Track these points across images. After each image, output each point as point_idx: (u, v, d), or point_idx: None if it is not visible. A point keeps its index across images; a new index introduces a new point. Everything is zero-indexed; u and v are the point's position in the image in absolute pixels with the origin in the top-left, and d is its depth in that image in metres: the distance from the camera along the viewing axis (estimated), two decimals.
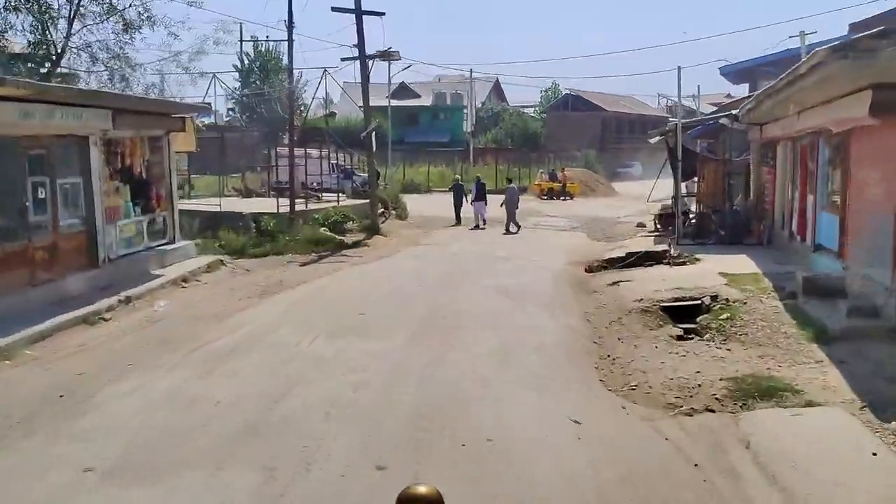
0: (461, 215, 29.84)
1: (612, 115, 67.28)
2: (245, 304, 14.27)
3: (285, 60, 66.48)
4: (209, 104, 21.10)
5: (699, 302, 14.81)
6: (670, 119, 75.99)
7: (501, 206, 28.29)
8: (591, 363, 10.96)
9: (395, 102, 65.06)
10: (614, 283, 16.97)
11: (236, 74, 73.27)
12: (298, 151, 32.53)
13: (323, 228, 22.93)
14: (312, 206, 26.93)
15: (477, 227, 28.42)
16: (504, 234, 27.31)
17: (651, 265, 19.21)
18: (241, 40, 38.12)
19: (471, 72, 44.17)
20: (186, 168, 31.27)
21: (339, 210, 24.85)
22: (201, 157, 34.54)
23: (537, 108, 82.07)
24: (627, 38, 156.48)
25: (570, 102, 68.56)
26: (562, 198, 42.20)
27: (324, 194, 31.09)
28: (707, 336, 12.39)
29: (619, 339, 12.52)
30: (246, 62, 75.05)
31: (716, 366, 10.38)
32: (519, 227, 27.90)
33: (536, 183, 43.82)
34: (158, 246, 17.28)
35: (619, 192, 48.52)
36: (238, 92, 40.59)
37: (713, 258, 18.80)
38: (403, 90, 66.19)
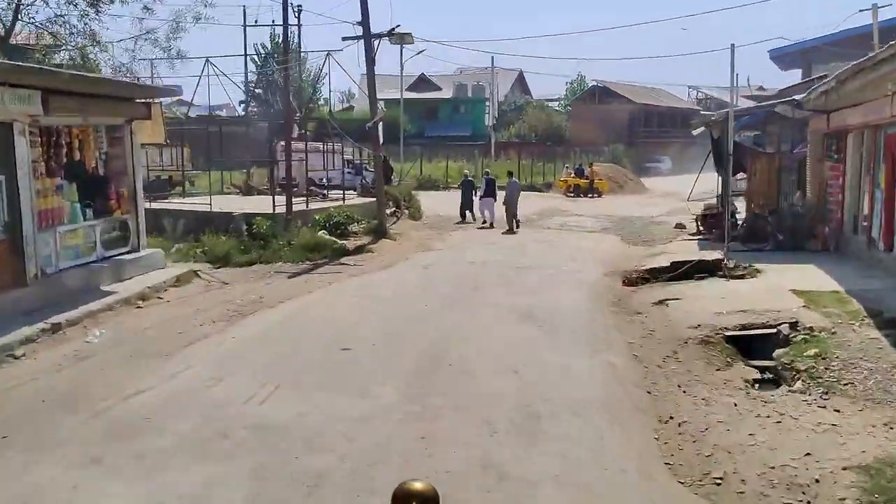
0: (475, 214, 27.15)
1: (640, 107, 63.64)
2: (205, 332, 11.31)
3: (303, 51, 63.63)
4: (178, 86, 18.18)
5: (774, 331, 11.77)
6: (702, 112, 72.24)
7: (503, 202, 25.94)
8: (650, 431, 7.86)
9: (414, 95, 62.02)
10: (661, 302, 13.86)
11: (252, 67, 71.12)
12: (302, 146, 29.62)
13: (321, 231, 19.97)
14: (316, 205, 24.00)
15: (486, 224, 25.89)
16: (504, 233, 24.59)
17: (703, 278, 16.05)
18: (245, 25, 35.16)
19: (492, 59, 41.01)
20: (179, 163, 28.43)
21: (343, 210, 21.87)
22: (205, 151, 31.84)
23: (562, 101, 78.65)
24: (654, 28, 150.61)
25: (598, 94, 65.00)
26: (589, 195, 38.93)
27: (332, 192, 28.25)
28: (797, 385, 9.30)
29: (679, 388, 9.43)
30: (262, 53, 72.90)
31: (829, 442, 7.25)
32: (518, 225, 25.30)
33: (562, 179, 40.56)
34: (117, 255, 14.36)
35: (649, 188, 45.11)
36: (245, 78, 37.37)
37: (776, 269, 15.65)
38: (423, 82, 63.15)
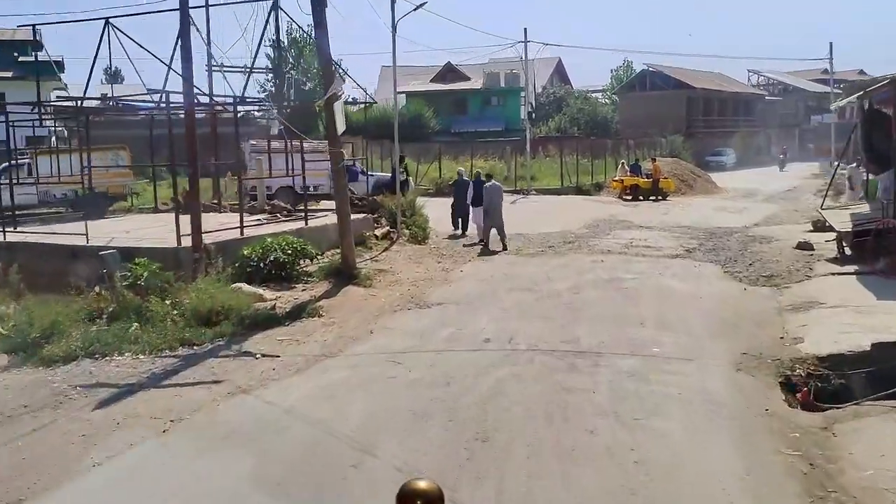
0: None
1: (699, 93, 54.07)
2: None
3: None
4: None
5: None
6: (767, 97, 62.36)
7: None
8: None
9: (440, 86, 53.77)
10: None
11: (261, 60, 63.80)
12: (278, 145, 21.65)
13: (235, 285, 11.77)
14: (262, 229, 15.88)
15: (482, 242, 18.42)
16: (481, 254, 17.34)
17: None
18: None
19: (525, 32, 32.06)
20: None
21: (290, 241, 13.52)
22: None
23: (607, 91, 69.50)
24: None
25: (649, 79, 55.65)
26: (651, 198, 30.09)
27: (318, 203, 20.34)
28: None
29: None
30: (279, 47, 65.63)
31: None
32: (506, 245, 17.97)
33: (616, 179, 31.72)
34: None
35: (722, 187, 35.92)
36: (209, 60, 27.27)
37: None
38: (450, 72, 54.70)
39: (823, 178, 44.43)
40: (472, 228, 19.81)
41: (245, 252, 13.11)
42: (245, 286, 11.85)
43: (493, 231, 18.20)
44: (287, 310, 11.31)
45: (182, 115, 17.05)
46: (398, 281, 13.98)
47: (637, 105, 54.34)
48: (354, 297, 12.41)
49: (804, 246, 17.06)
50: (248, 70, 24.09)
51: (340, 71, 12.69)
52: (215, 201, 20.31)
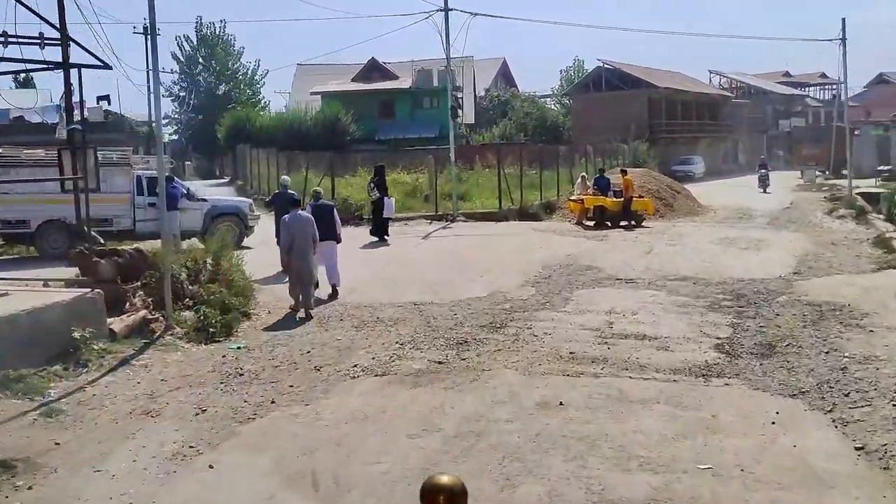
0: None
1: (661, 93, 45.58)
2: None
3: (237, 45, 45.72)
4: None
5: None
6: (734, 100, 54.27)
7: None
8: None
9: (363, 86, 44.37)
10: None
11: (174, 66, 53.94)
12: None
13: None
14: None
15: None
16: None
17: None
18: None
19: (445, 2, 22.31)
20: None
21: None
22: None
23: (557, 94, 61.16)
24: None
25: (605, 78, 46.94)
26: (622, 223, 21.16)
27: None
28: None
29: None
30: (187, 49, 56.01)
31: None
32: (310, 314, 10.35)
33: (572, 199, 22.66)
34: None
35: (706, 205, 27.11)
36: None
37: None
38: (374, 70, 45.34)
39: (814, 191, 36.41)
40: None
41: None
42: None
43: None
44: None
45: None
46: None
47: (592, 107, 45.70)
48: None
49: None
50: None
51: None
52: None
